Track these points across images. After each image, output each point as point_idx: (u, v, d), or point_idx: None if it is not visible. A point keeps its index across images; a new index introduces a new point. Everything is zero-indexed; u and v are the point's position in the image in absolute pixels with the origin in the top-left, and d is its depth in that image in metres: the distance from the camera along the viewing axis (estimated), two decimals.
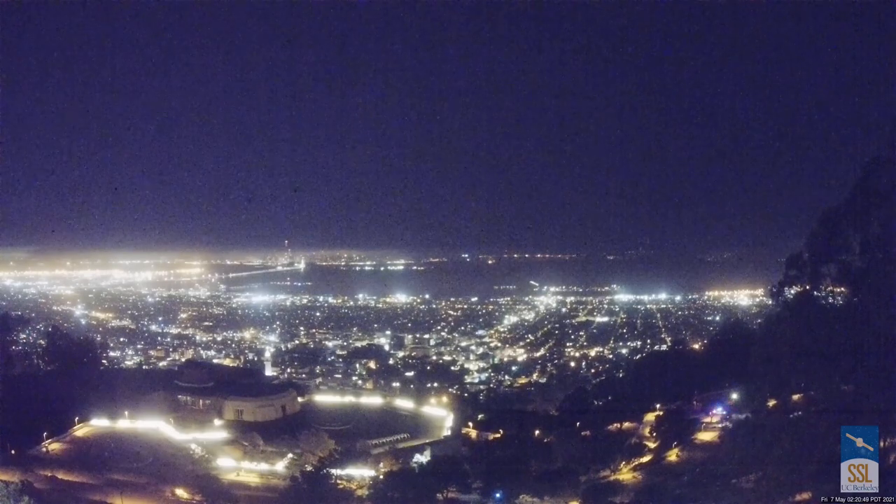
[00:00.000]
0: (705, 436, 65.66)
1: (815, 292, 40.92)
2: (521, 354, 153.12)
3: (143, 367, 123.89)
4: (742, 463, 43.89)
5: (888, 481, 26.82)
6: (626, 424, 75.37)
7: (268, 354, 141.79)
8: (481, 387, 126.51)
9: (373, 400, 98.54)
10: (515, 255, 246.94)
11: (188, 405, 79.71)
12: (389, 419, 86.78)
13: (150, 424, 70.74)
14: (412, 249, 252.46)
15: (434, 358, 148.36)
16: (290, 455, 69.68)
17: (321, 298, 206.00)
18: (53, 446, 63.67)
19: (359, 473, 65.98)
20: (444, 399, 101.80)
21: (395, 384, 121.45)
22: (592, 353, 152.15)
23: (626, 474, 62.02)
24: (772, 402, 44.31)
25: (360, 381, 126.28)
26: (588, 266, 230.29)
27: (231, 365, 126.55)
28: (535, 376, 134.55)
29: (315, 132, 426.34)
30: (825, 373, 37.77)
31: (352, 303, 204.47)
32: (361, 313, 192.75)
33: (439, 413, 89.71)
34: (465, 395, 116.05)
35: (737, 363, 57.65)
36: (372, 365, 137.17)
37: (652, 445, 68.64)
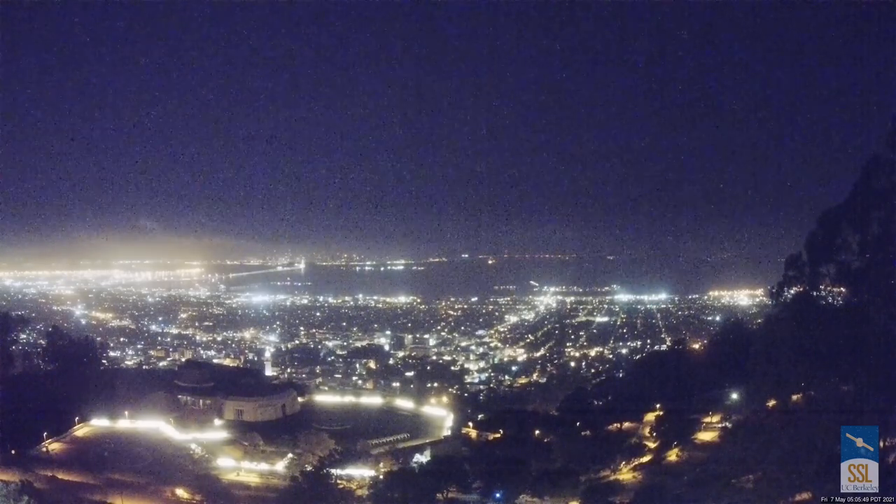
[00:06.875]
0: (705, 436, 65.71)
1: (814, 293, 40.86)
2: (521, 354, 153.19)
3: (143, 367, 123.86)
4: (742, 463, 43.81)
5: (888, 481, 26.82)
6: (626, 424, 75.32)
7: (268, 354, 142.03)
8: (481, 387, 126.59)
9: (373, 400, 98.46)
10: (515, 255, 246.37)
11: (188, 405, 79.78)
12: (389, 419, 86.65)
13: (150, 424, 70.77)
14: (412, 249, 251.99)
15: (434, 358, 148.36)
16: (290, 455, 69.58)
17: (321, 298, 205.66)
18: (53, 446, 63.73)
19: (359, 473, 65.89)
20: (444, 399, 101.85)
21: (395, 384, 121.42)
22: (592, 353, 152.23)
23: (626, 474, 62.00)
24: (772, 402, 44.24)
25: (360, 381, 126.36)
26: (588, 266, 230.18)
27: (231, 365, 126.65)
28: (535, 376, 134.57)
29: (315, 131, 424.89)
30: (825, 373, 37.75)
31: (352, 303, 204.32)
32: (361, 313, 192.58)
33: (439, 413, 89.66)
34: (465, 395, 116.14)
35: (737, 363, 57.55)
36: (372, 365, 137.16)
37: (652, 445, 68.61)
